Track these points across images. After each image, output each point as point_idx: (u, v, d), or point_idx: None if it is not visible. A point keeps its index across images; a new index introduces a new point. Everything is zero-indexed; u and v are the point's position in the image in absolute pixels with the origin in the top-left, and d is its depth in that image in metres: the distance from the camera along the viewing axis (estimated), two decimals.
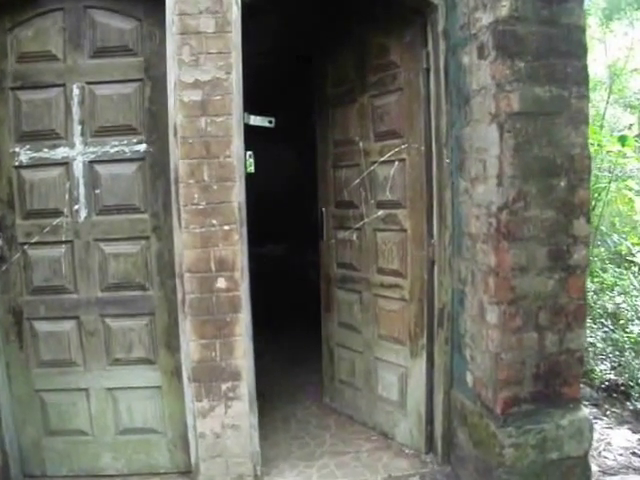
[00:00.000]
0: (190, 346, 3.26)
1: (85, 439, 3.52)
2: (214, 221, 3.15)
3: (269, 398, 4.75)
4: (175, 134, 3.14)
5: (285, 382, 5.18)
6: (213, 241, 3.16)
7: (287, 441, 4.01)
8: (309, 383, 5.05)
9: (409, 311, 3.65)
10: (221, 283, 3.20)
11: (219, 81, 3.12)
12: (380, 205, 3.78)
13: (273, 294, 8.97)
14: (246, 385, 3.33)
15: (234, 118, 3.14)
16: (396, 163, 3.62)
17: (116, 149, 3.31)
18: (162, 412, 3.51)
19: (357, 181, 3.92)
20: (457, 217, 3.30)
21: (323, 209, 4.28)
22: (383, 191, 3.73)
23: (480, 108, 2.92)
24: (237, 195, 3.15)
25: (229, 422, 3.33)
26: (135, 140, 3.31)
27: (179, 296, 3.24)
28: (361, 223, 3.93)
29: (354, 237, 4.02)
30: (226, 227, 3.15)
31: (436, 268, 3.46)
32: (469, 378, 3.24)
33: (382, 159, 3.71)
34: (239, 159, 3.14)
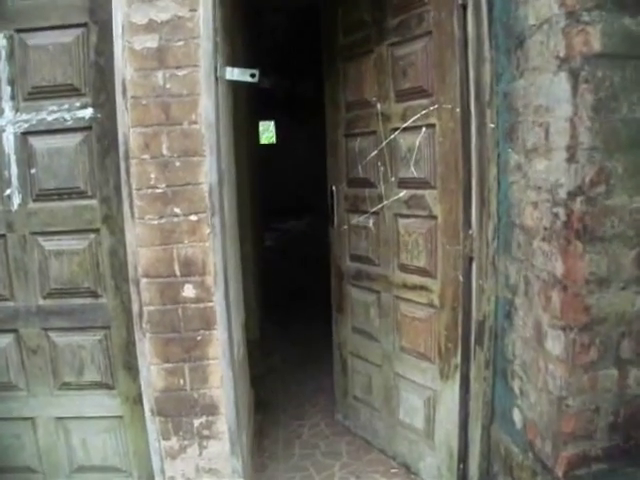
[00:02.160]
0: (152, 371, 2.52)
1: (34, 477, 2.83)
2: (177, 209, 2.37)
3: (272, 410, 4.04)
4: (124, 94, 2.35)
5: (294, 388, 4.45)
6: (176, 236, 2.39)
7: (288, 473, 3.25)
8: (321, 391, 4.31)
9: (439, 321, 2.84)
10: (188, 291, 2.43)
11: (181, 21, 2.31)
12: (403, 184, 2.94)
13: (291, 274, 8.26)
14: (225, 421, 2.57)
15: (202, 71, 2.32)
16: (423, 130, 2.77)
17: (55, 116, 2.53)
18: (125, 447, 2.81)
19: (374, 153, 3.09)
20: (505, 203, 2.45)
21: (333, 188, 3.46)
22: (406, 166, 2.89)
23: (541, 51, 2.05)
24: (208, 174, 2.35)
25: (205, 465, 2.61)
26: (78, 104, 2.53)
27: (135, 308, 2.48)
28: (379, 206, 3.10)
29: (370, 223, 3.20)
30: (193, 217, 2.37)
31: (475, 268, 2.63)
32: (517, 417, 2.43)
33: (405, 125, 2.86)
34: (209, 126, 2.33)
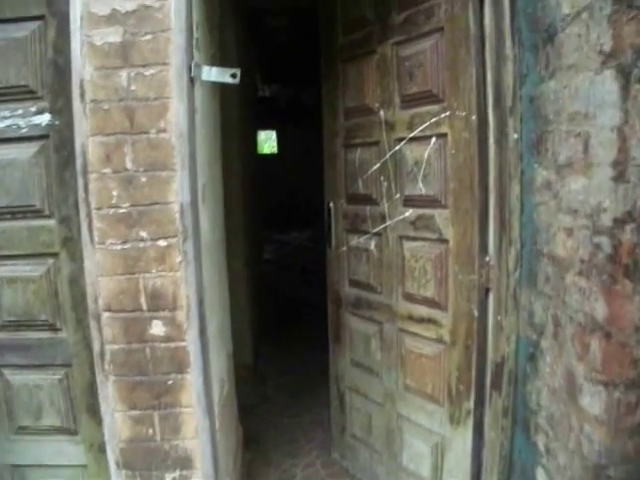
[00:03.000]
0: (116, 419, 2.16)
1: None
2: (143, 233, 2.01)
3: (263, 446, 3.67)
4: (82, 97, 2.00)
5: (287, 421, 4.07)
6: (142, 264, 2.03)
7: None
8: (318, 424, 3.95)
9: (450, 359, 2.47)
10: (157, 328, 2.07)
11: (149, 11, 1.96)
12: (409, 202, 2.59)
13: (290, 291, 7.89)
14: (202, 475, 2.20)
15: (173, 70, 1.97)
16: (433, 140, 2.41)
17: (7, 122, 2.19)
18: None
19: (377, 166, 2.74)
20: (530, 227, 2.08)
21: (331, 204, 3.10)
22: (413, 182, 2.53)
23: (578, 46, 1.68)
24: (179, 192, 2.00)
25: None
26: (34, 108, 2.18)
27: (96, 346, 2.13)
28: (382, 227, 2.75)
29: (372, 246, 2.84)
30: (161, 242, 2.01)
31: (492, 301, 2.27)
32: (542, 478, 2.06)
33: (412, 135, 2.51)
34: (181, 135, 1.98)
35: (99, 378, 2.15)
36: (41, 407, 2.37)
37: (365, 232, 2.86)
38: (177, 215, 1.97)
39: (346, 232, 3.02)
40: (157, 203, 1.97)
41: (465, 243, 2.32)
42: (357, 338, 3.07)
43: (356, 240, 2.94)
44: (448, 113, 2.33)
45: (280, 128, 13.82)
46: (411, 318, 2.66)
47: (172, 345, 2.07)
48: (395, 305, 2.74)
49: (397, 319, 2.74)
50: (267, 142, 16.16)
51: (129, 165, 1.97)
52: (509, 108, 2.10)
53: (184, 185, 1.97)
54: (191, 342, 2.07)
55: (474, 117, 2.21)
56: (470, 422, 2.40)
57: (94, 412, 2.31)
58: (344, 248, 3.05)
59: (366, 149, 2.80)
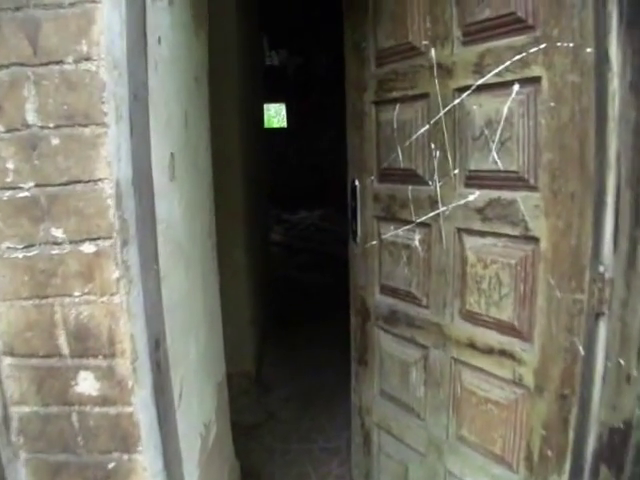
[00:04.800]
0: None
1: None
2: (57, 231, 1.20)
3: None
4: None
5: (296, 448, 3.32)
6: (58, 282, 1.23)
7: None
8: (333, 453, 3.23)
9: (533, 411, 1.69)
10: (87, 384, 1.28)
11: None
12: (475, 180, 1.78)
13: (300, 278, 7.10)
14: None
15: None
16: (516, 88, 1.60)
17: None
18: None
19: (424, 129, 1.92)
20: None
21: (356, 182, 2.29)
22: (483, 151, 1.72)
23: None
24: (114, 161, 1.18)
25: None
26: None
27: None
28: (431, 215, 1.94)
29: (416, 241, 2.03)
30: (87, 247, 1.21)
31: (607, 334, 1.47)
32: None
33: (482, 81, 1.69)
34: (116, 65, 1.16)
35: (4, 454, 1.37)
36: None
37: (405, 221, 2.06)
38: (110, 201, 1.16)
39: (377, 220, 2.21)
40: (78, 181, 1.17)
41: (567, 244, 1.52)
42: (391, 363, 2.28)
43: (392, 232, 2.13)
44: (543, 46, 1.51)
45: (289, 101, 12.93)
46: (473, 346, 1.86)
47: (112, 411, 1.29)
48: (448, 326, 1.95)
49: (451, 345, 1.95)
50: (276, 116, 15.29)
51: (31, 118, 1.16)
52: None
53: (122, 150, 1.16)
54: (141, 407, 1.28)
55: (589, 50, 1.40)
56: None
57: None
58: (374, 242, 2.24)
59: (408, 105, 1.98)
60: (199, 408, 1.87)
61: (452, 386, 1.98)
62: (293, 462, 3.15)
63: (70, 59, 1.13)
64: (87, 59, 1.12)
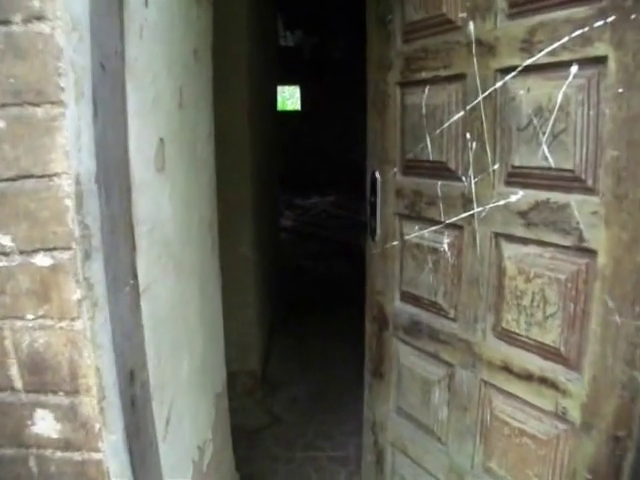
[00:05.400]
0: None
1: None
2: (3, 238, 0.95)
3: None
4: None
5: (301, 456, 3.10)
6: (7, 303, 0.98)
7: None
8: (341, 463, 3.03)
9: (577, 450, 1.45)
10: (45, 425, 1.04)
11: None
12: (519, 178, 1.51)
13: (311, 265, 6.84)
14: None
15: None
16: (574, 70, 1.33)
17: None
18: None
19: (459, 116, 1.65)
20: None
21: (377, 174, 2.02)
22: (530, 144, 1.45)
23: None
24: (76, 151, 0.92)
25: None
26: None
27: None
28: (463, 215, 1.68)
29: (444, 244, 1.77)
30: (41, 260, 0.95)
31: None
32: None
33: (531, 61, 1.41)
34: (75, 25, 0.90)
35: None
36: None
37: (433, 221, 1.79)
38: (69, 202, 0.91)
39: (400, 218, 1.95)
40: (28, 176, 0.91)
41: (632, 260, 1.25)
42: (410, 379, 2.02)
43: (416, 232, 1.87)
44: (612, 18, 1.23)
45: (304, 83, 12.61)
46: (508, 369, 1.60)
47: (76, 457, 1.04)
48: (479, 343, 1.69)
49: (481, 365, 1.69)
50: (290, 99, 14.96)
51: None
52: None
53: (83, 137, 0.91)
54: (111, 454, 1.04)
55: None
56: None
57: None
58: (395, 243, 1.98)
59: (440, 88, 1.71)
60: (192, 429, 1.63)
61: (481, 411, 1.73)
62: (297, 472, 2.93)
63: (18, 18, 0.87)
64: (40, 18, 0.87)
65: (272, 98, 5.54)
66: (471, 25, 1.57)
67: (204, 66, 1.81)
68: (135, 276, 1.07)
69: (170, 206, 1.38)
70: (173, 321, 1.43)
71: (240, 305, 3.37)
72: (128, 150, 1.02)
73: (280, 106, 12.50)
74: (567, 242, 1.38)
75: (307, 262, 6.89)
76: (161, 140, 1.29)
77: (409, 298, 1.97)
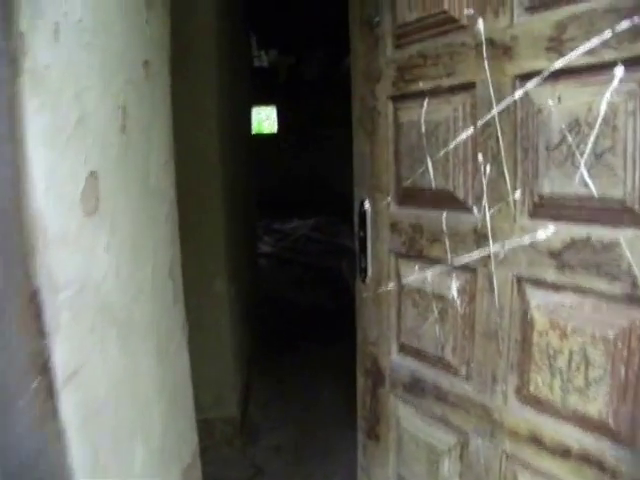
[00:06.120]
0: None
1: None
2: None
3: None
4: None
5: None
6: None
7: None
8: None
9: None
10: None
11: None
12: (548, 209, 1.22)
13: (291, 292, 6.49)
14: None
15: None
16: (619, 74, 1.05)
17: None
18: None
19: (467, 134, 1.36)
20: None
21: (366, 204, 1.72)
22: (563, 167, 1.16)
23: None
24: None
25: None
26: None
27: None
28: (477, 255, 1.38)
29: (452, 289, 1.47)
30: None
31: None
32: None
33: (562, 63, 1.13)
34: None
35: None
36: None
37: (437, 261, 1.49)
38: None
39: (396, 257, 1.65)
40: None
41: None
42: (413, 446, 1.71)
43: (417, 275, 1.57)
44: None
45: (280, 104, 12.36)
46: (537, 442, 1.30)
47: None
48: (499, 409, 1.39)
49: (502, 435, 1.39)
50: (267, 120, 14.70)
51: None
52: None
53: None
54: None
55: None
56: None
57: None
58: (391, 286, 1.68)
59: (443, 100, 1.42)
60: None
61: None
62: None
63: None
64: None
65: (246, 120, 5.25)
66: (480, 23, 1.29)
67: (159, 82, 1.51)
68: (44, 370, 0.75)
69: (109, 257, 1.07)
70: (116, 404, 1.11)
71: (214, 348, 3.05)
72: (27, 193, 0.71)
73: (256, 128, 12.24)
74: (616, 290, 1.09)
75: (287, 290, 6.57)
76: (92, 174, 0.98)
77: (409, 351, 1.66)
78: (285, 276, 7.28)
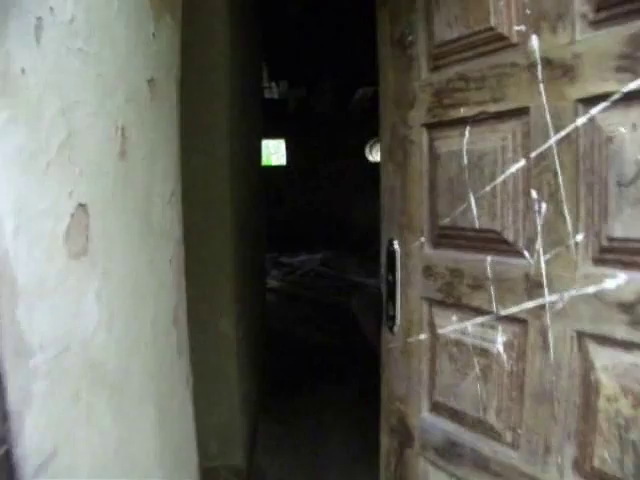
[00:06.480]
0: None
1: None
2: None
3: None
4: None
5: None
6: None
7: None
8: None
9: None
10: None
11: None
12: (618, 254, 1.04)
13: (300, 330, 6.27)
14: None
15: None
16: None
17: None
18: None
19: (517, 167, 1.19)
20: None
21: (395, 244, 1.54)
22: (638, 206, 0.97)
23: None
24: None
25: None
26: None
27: None
28: (529, 305, 1.18)
29: (499, 343, 1.28)
30: None
31: None
32: None
33: (634, 86, 0.96)
34: None
35: None
36: None
37: (480, 311, 1.31)
38: None
39: (430, 305, 1.46)
40: None
41: None
42: None
43: (455, 325, 1.38)
44: None
45: (289, 137, 12.29)
46: None
47: None
48: None
49: None
50: (275, 154, 14.61)
51: None
52: None
53: None
54: None
55: None
56: None
57: None
58: (423, 336, 1.49)
59: (489, 129, 1.25)
60: None
61: None
62: None
63: None
64: None
65: (256, 152, 5.11)
66: (534, 40, 1.12)
67: (166, 103, 1.35)
68: (6, 466, 0.57)
69: (100, 307, 0.89)
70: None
71: (220, 393, 2.86)
72: None
73: (265, 161, 12.14)
74: None
75: (295, 328, 6.35)
76: (81, 208, 0.81)
77: (444, 410, 1.46)
78: (293, 313, 7.07)
